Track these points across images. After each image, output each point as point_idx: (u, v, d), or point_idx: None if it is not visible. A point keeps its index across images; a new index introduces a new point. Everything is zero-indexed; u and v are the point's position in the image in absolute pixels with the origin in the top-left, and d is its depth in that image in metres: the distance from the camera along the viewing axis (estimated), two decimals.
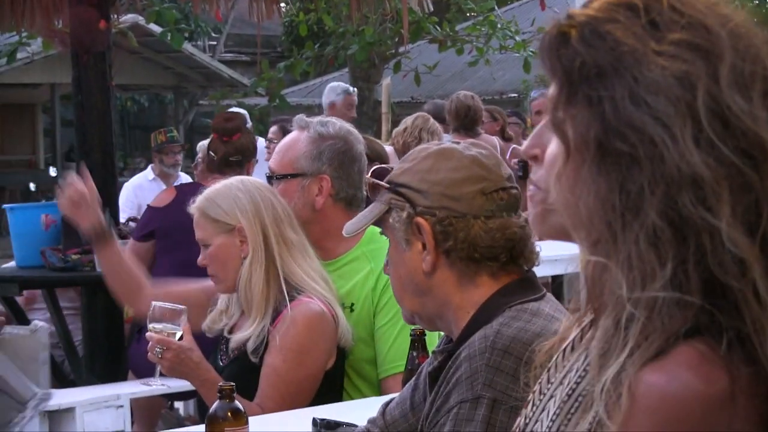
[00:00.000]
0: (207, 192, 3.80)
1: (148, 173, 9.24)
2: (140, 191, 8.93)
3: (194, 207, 3.79)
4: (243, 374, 3.51)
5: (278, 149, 4.01)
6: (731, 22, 1.39)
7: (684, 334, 1.32)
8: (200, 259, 3.79)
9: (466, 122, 8.83)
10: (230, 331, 3.76)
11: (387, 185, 2.52)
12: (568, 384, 1.51)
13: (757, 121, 1.34)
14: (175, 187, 6.44)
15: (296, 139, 3.94)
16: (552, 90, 1.44)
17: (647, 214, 1.32)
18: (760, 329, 1.31)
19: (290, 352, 3.58)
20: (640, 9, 1.39)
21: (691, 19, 1.37)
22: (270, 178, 3.93)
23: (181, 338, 3.54)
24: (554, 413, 1.51)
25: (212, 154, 5.97)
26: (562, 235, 1.48)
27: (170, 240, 5.93)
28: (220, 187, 3.80)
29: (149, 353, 3.53)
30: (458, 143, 2.59)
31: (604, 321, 1.39)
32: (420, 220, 2.44)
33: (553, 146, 1.45)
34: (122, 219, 7.58)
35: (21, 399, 3.00)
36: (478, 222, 2.43)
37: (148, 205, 6.39)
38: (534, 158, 1.54)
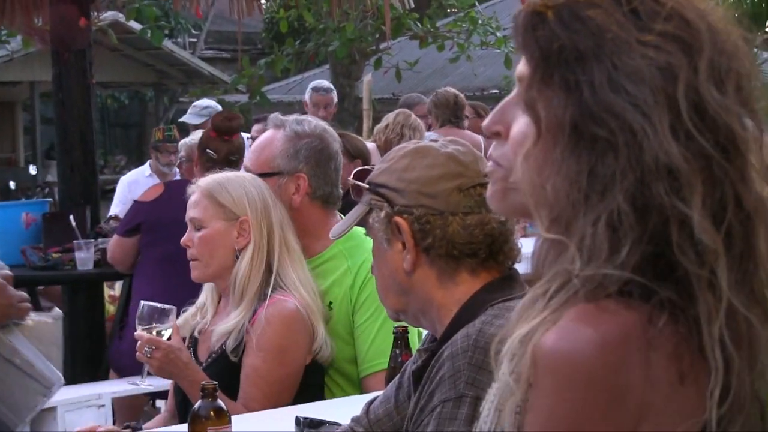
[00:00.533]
0: (217, 176, 3.78)
1: (145, 169, 9.18)
2: (135, 187, 8.87)
3: (199, 187, 3.75)
4: (224, 373, 3.50)
5: (254, 148, 4.00)
6: (709, 15, 1.40)
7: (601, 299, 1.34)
8: (185, 239, 3.75)
9: (457, 111, 8.86)
10: (200, 332, 3.74)
11: (367, 186, 2.52)
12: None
13: (730, 114, 1.36)
14: (164, 183, 6.42)
15: (272, 137, 3.93)
16: (524, 68, 1.44)
17: (615, 197, 1.33)
18: (709, 314, 1.33)
19: (269, 353, 3.57)
20: None
21: (672, 10, 1.39)
22: None
23: (169, 338, 3.52)
24: (493, 395, 1.52)
25: (211, 152, 5.92)
26: (522, 213, 1.48)
27: (156, 234, 5.91)
28: (231, 175, 3.79)
29: (138, 353, 3.51)
30: (436, 141, 2.58)
31: (532, 291, 1.40)
32: (398, 219, 2.44)
33: (521, 125, 1.45)
34: (115, 213, 7.57)
35: (47, 383, 3.05)
36: (456, 219, 2.43)
37: (134, 201, 6.37)
38: (496, 134, 1.53)
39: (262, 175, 3.85)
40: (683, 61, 1.36)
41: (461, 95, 9.10)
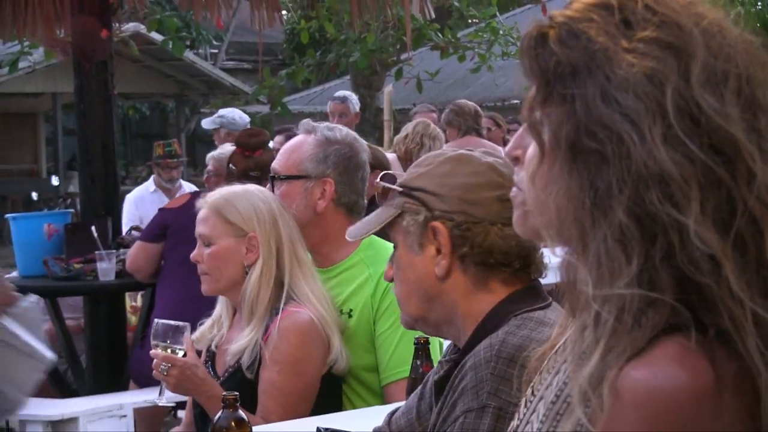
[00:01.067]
0: (224, 192, 3.77)
1: (150, 185, 9.21)
2: (141, 203, 8.91)
3: (207, 203, 3.75)
4: (240, 389, 3.48)
5: (283, 150, 4.00)
6: (705, 20, 1.39)
7: (663, 331, 1.31)
8: (194, 255, 3.75)
9: (478, 120, 8.87)
10: (217, 346, 3.74)
11: (400, 189, 2.49)
12: (556, 385, 1.51)
13: (729, 120, 1.33)
14: (191, 193, 6.45)
15: (302, 141, 3.93)
16: (531, 91, 1.44)
17: (615, 212, 1.32)
18: (739, 325, 1.30)
19: (285, 365, 3.57)
20: (615, 8, 1.39)
21: (664, 17, 1.38)
22: (273, 179, 3.92)
23: (185, 355, 3.52)
24: (543, 415, 1.51)
25: (232, 167, 5.96)
26: (540, 236, 1.47)
27: (180, 238, 5.90)
28: (239, 191, 3.78)
29: (154, 371, 3.51)
30: (471, 150, 2.57)
31: (577, 321, 1.39)
32: (437, 224, 2.42)
33: (531, 147, 1.45)
34: (136, 224, 7.58)
35: (43, 360, 3.18)
36: (494, 228, 2.41)
37: (160, 209, 6.38)
38: (516, 159, 1.53)
39: (289, 178, 3.85)
40: (672, 67, 1.34)
41: (478, 108, 9.12)
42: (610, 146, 1.33)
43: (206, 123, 9.67)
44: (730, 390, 1.30)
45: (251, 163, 5.93)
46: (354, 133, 4.04)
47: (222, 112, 9.74)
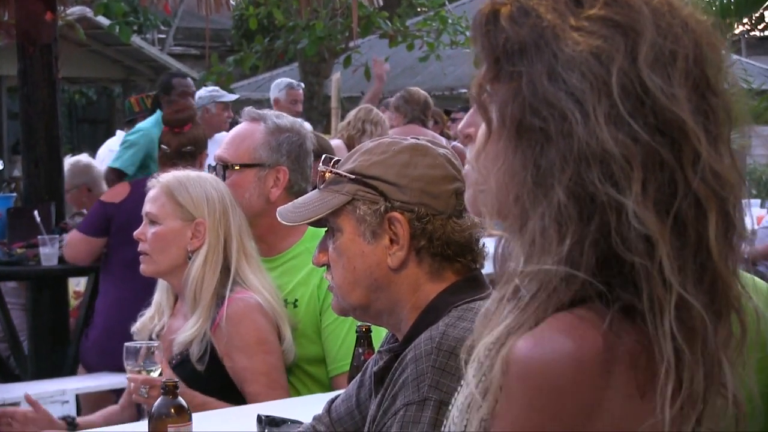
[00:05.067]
0: (179, 174, 3.74)
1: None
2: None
3: (159, 182, 3.72)
4: (188, 380, 3.46)
5: (231, 139, 3.96)
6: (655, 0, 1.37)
7: (568, 305, 1.32)
8: (138, 232, 3.71)
9: (426, 111, 8.90)
10: (159, 335, 3.71)
11: (352, 176, 2.45)
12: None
13: (675, 100, 1.33)
14: (129, 183, 6.38)
15: (251, 129, 3.91)
16: (481, 69, 1.43)
17: (555, 191, 1.32)
18: (658, 307, 1.30)
19: (251, 348, 3.55)
20: None
21: None
22: (224, 168, 3.88)
23: (160, 374, 3.46)
24: (461, 402, 1.51)
25: (164, 147, 5.92)
26: (492, 215, 1.47)
27: (126, 236, 5.86)
28: (193, 175, 3.75)
29: (134, 395, 3.42)
30: (421, 140, 2.55)
31: (495, 293, 1.39)
32: (396, 214, 2.40)
33: (482, 127, 1.45)
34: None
35: None
36: (451, 221, 2.41)
37: (100, 200, 6.32)
38: (468, 137, 1.53)
39: (241, 166, 3.83)
40: (620, 46, 1.33)
41: (428, 98, 9.14)
42: (554, 124, 1.32)
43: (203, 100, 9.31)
44: (624, 364, 1.30)
45: (183, 139, 5.91)
46: (299, 120, 4.03)
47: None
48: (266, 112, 3.97)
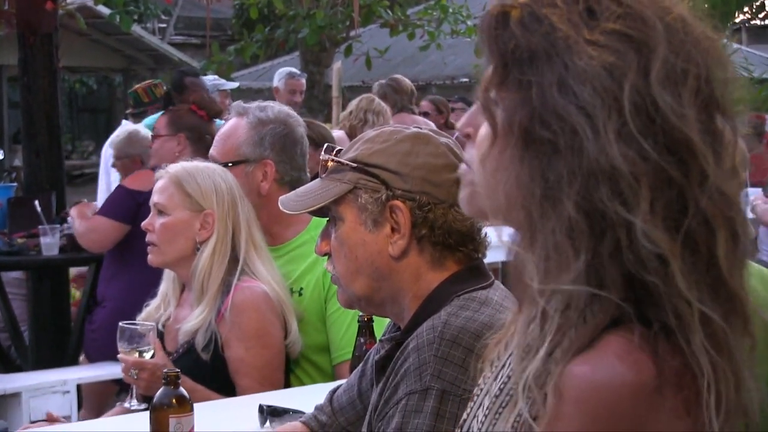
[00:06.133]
0: (187, 165, 3.73)
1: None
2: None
3: (167, 173, 3.71)
4: (193, 370, 3.46)
5: (219, 137, 3.97)
6: (670, 14, 1.36)
7: (608, 327, 1.31)
8: (146, 223, 3.70)
9: (413, 99, 8.91)
10: (164, 325, 3.71)
11: (354, 164, 2.45)
12: (500, 379, 1.50)
13: (684, 120, 1.31)
14: (152, 169, 6.32)
15: (236, 125, 3.91)
16: (487, 71, 1.42)
17: (564, 205, 1.30)
18: (685, 324, 1.30)
19: (250, 340, 3.54)
20: None
21: (630, 9, 1.35)
22: None
23: (153, 356, 3.46)
24: (487, 408, 1.50)
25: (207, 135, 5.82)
26: (486, 216, 1.46)
27: None
28: (202, 166, 3.74)
29: (124, 375, 3.45)
30: (423, 129, 2.54)
31: (523, 314, 1.38)
32: (398, 203, 2.39)
33: (484, 127, 1.43)
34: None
35: None
36: (452, 211, 2.40)
37: (127, 189, 6.19)
38: (467, 136, 1.52)
39: (228, 164, 3.83)
40: (633, 61, 1.32)
41: (408, 84, 9.15)
42: (563, 138, 1.31)
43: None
44: (671, 385, 1.29)
45: (212, 129, 5.85)
46: (287, 109, 4.01)
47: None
48: (250, 105, 3.96)
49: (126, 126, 8.49)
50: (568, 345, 1.31)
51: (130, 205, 5.99)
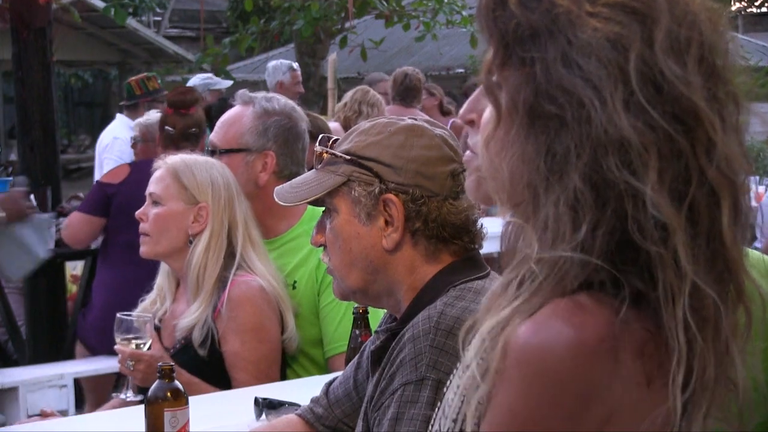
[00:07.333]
0: (186, 157, 3.73)
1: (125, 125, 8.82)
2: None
3: (165, 163, 3.70)
4: (190, 366, 3.46)
5: (221, 123, 3.95)
6: None
7: (573, 290, 1.31)
8: (140, 212, 3.70)
9: (401, 90, 8.89)
10: (161, 320, 3.70)
11: (348, 156, 2.44)
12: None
13: (690, 87, 1.32)
14: (129, 164, 6.35)
15: (241, 113, 3.89)
16: (488, 54, 1.41)
17: (571, 177, 1.30)
18: (673, 296, 1.29)
19: (246, 334, 3.54)
20: None
21: None
22: (213, 153, 3.88)
23: (149, 347, 3.46)
24: (457, 384, 1.49)
25: (170, 128, 5.87)
26: (493, 202, 1.45)
27: (124, 219, 5.84)
28: (201, 160, 3.74)
29: (120, 366, 3.45)
30: (418, 120, 2.53)
31: (504, 276, 1.38)
32: (391, 196, 2.39)
33: (488, 111, 1.43)
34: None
35: (36, 258, 4.75)
36: (446, 203, 2.39)
37: (99, 182, 6.29)
38: (470, 123, 1.51)
39: (229, 152, 3.82)
40: (636, 32, 1.32)
41: (414, 76, 9.14)
42: (570, 111, 1.31)
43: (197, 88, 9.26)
44: (630, 351, 1.29)
45: (189, 120, 5.87)
46: (292, 103, 4.00)
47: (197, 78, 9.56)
48: (257, 95, 3.95)
49: (122, 119, 8.49)
50: (528, 307, 1.31)
51: (100, 198, 6.05)
